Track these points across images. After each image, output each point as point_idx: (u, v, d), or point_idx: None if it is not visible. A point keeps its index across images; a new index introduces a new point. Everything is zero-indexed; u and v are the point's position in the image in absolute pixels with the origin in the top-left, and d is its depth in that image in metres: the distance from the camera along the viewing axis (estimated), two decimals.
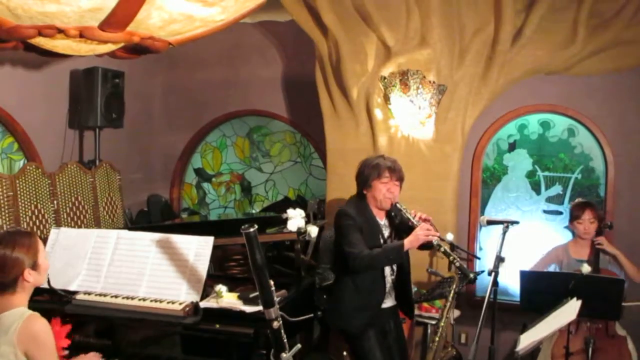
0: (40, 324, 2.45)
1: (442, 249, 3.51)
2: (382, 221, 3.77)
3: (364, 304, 3.67)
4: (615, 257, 4.25)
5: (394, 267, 3.76)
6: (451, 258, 3.51)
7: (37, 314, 2.48)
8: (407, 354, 4.02)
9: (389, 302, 3.78)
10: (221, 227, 4.51)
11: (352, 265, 3.51)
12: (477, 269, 5.04)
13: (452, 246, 4.60)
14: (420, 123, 4.83)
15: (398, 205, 3.67)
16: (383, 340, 3.71)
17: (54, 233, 3.70)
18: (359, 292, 3.66)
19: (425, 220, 3.59)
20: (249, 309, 3.12)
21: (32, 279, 2.50)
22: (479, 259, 5.22)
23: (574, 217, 4.36)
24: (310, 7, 4.86)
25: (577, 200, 4.50)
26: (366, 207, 3.71)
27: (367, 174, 3.67)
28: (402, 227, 3.79)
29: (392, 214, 3.79)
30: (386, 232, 3.76)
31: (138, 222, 5.63)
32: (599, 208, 4.60)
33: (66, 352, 2.78)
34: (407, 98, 4.78)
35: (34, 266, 2.52)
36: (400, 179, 3.70)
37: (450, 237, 4.60)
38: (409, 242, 3.48)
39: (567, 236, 4.84)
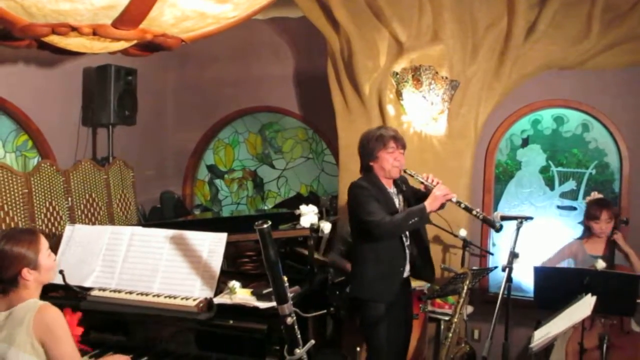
0: (53, 312, 2.46)
1: (462, 205, 3.58)
2: (391, 190, 3.83)
3: (386, 272, 3.72)
4: (627, 255, 4.22)
5: (408, 235, 3.80)
6: (474, 212, 3.59)
7: (48, 304, 2.49)
8: (412, 324, 4.07)
9: (405, 272, 3.84)
10: (234, 223, 4.51)
11: (377, 232, 3.56)
12: (491, 265, 5.02)
13: (465, 242, 4.62)
14: (433, 119, 4.82)
15: (408, 171, 3.75)
16: (391, 313, 3.73)
17: (68, 230, 3.72)
18: (381, 261, 3.71)
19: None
20: (262, 305, 3.12)
21: (31, 278, 2.49)
22: (492, 254, 5.20)
23: (591, 216, 4.32)
24: (322, 3, 4.85)
25: (593, 197, 4.42)
26: (376, 179, 3.75)
27: (372, 146, 3.72)
28: (409, 193, 3.89)
29: (399, 182, 3.85)
30: (397, 200, 3.82)
31: (151, 218, 5.65)
32: (614, 205, 4.55)
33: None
34: (419, 94, 4.76)
35: (35, 265, 2.50)
36: (404, 147, 3.77)
37: (463, 233, 4.59)
38: (429, 205, 3.55)
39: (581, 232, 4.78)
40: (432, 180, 3.66)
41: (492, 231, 5.25)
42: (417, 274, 3.93)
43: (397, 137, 3.74)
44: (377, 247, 3.68)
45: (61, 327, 2.46)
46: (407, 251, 3.79)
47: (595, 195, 4.45)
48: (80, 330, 2.80)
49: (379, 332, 3.71)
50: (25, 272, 2.47)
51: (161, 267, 3.41)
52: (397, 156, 3.71)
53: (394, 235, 3.68)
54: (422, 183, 3.70)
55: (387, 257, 3.71)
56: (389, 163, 3.70)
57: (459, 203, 3.59)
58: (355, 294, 3.84)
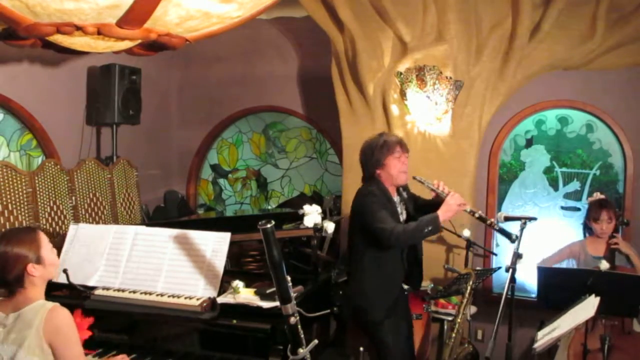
0: (63, 315, 2.46)
1: (476, 215, 3.54)
2: (395, 198, 3.77)
3: (387, 283, 3.68)
4: (629, 257, 4.22)
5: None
6: (488, 222, 3.55)
7: (59, 305, 2.49)
8: (413, 328, 4.01)
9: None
10: (237, 223, 4.52)
11: (388, 241, 3.44)
12: (494, 266, 5.02)
13: (469, 242, 4.61)
14: (437, 119, 4.81)
15: (418, 177, 3.69)
16: (398, 325, 3.71)
17: (72, 229, 3.73)
18: (382, 271, 3.65)
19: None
20: (266, 304, 3.13)
21: (37, 273, 2.50)
22: (495, 255, 5.18)
23: (592, 217, 4.31)
24: (327, 3, 4.85)
25: (594, 198, 4.41)
26: (383, 186, 3.68)
27: (377, 154, 3.65)
28: (408, 199, 3.85)
29: (400, 188, 3.80)
30: (399, 208, 3.78)
31: (155, 218, 5.66)
32: (615, 205, 4.53)
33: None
34: (423, 94, 4.76)
35: (38, 260, 2.51)
36: (408, 152, 3.74)
37: (467, 233, 4.59)
38: (442, 214, 3.42)
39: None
40: (444, 189, 3.60)
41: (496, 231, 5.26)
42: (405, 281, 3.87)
43: (402, 143, 3.70)
44: (380, 257, 3.63)
45: (71, 328, 2.47)
46: (404, 261, 3.75)
47: (597, 195, 4.43)
48: (88, 334, 2.79)
49: (383, 336, 3.68)
50: (31, 267, 2.48)
51: (165, 267, 3.41)
52: (404, 160, 3.67)
53: (405, 244, 3.62)
54: (433, 190, 3.63)
55: (389, 268, 3.67)
56: (397, 168, 3.64)
57: (472, 213, 3.54)
58: (357, 302, 3.78)
